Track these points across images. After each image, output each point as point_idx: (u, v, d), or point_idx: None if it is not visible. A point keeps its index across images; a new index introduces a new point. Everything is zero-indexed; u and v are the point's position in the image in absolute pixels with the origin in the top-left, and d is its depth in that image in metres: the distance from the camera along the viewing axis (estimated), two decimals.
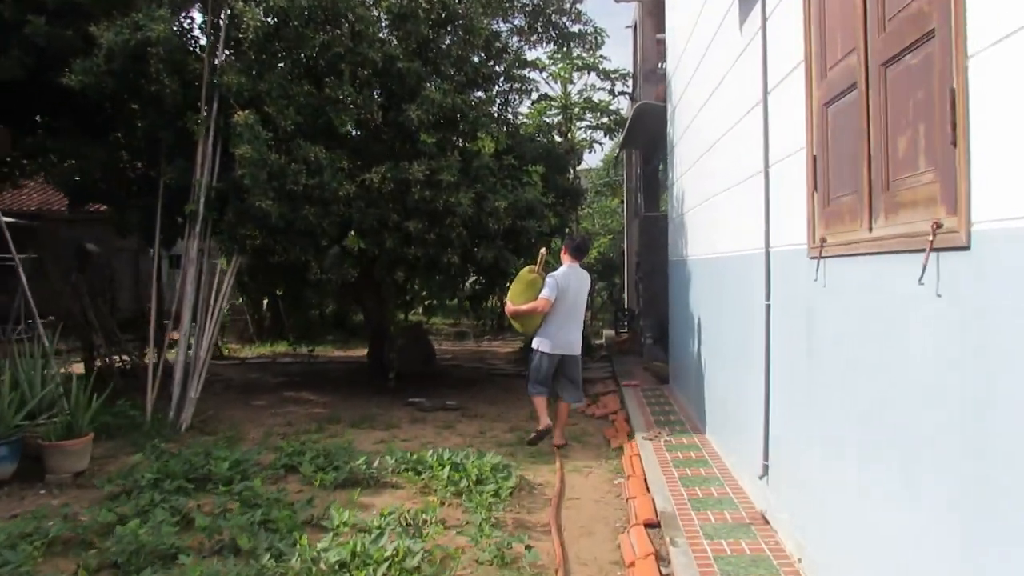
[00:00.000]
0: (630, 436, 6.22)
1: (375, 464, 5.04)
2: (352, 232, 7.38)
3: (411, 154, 7.87)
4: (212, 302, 7.33)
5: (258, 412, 7.92)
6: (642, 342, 11.54)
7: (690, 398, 6.88)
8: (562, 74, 13.11)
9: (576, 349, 6.19)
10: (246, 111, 6.76)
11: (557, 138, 10.83)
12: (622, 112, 14.40)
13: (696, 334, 6.57)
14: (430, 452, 5.11)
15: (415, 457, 5.12)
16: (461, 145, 8.13)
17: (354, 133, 8.22)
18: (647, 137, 11.15)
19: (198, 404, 8.32)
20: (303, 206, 7.15)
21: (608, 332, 15.63)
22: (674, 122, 7.91)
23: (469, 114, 8.05)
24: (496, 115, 9.15)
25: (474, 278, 9.60)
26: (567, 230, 10.09)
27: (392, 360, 8.49)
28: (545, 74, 13.34)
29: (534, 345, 6.15)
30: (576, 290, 6.17)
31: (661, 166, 11.45)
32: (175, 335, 14.50)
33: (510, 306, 6.17)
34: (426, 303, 9.30)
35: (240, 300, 14.65)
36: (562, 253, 6.39)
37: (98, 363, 9.21)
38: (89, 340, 9.52)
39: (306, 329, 9.12)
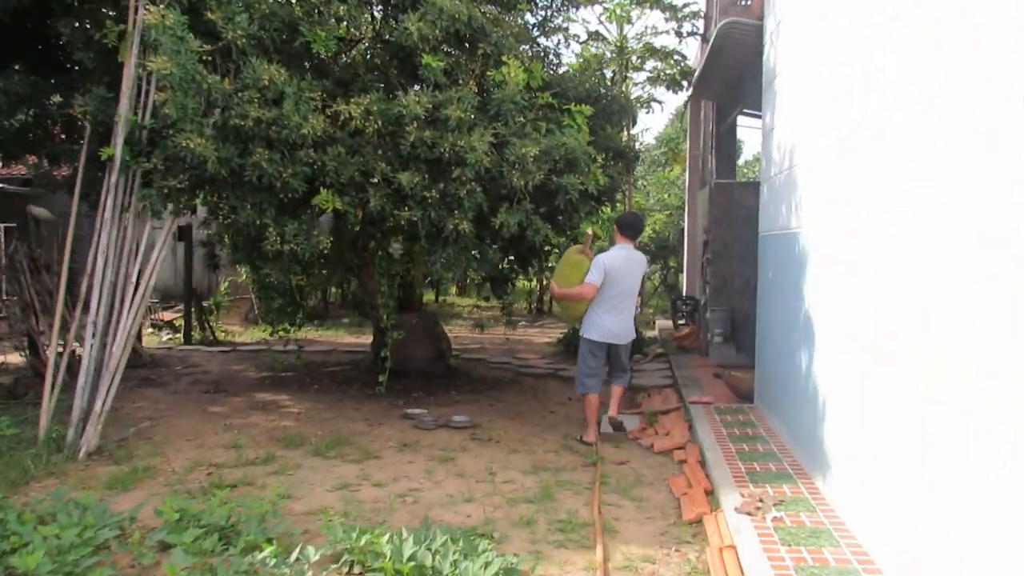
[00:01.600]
0: (711, 497, 4.11)
1: (292, 557, 3.04)
2: (323, 187, 5.38)
3: (411, 84, 5.85)
4: (136, 280, 5.41)
5: (209, 423, 6.03)
6: (707, 339, 9.35)
7: (796, 433, 4.72)
8: (618, 11, 10.85)
9: (626, 338, 5.71)
10: (162, 5, 4.78)
11: (608, 79, 8.62)
12: (689, 62, 12.07)
13: (810, 339, 4.41)
14: (386, 539, 3.07)
15: (363, 541, 3.10)
16: (479, 74, 6.03)
17: (333, 57, 6.18)
18: (725, 82, 8.88)
19: (139, 409, 6.55)
20: (255, 149, 5.17)
21: (663, 323, 13.41)
22: (777, 42, 5.67)
23: (492, 33, 5.94)
24: (530, 39, 7.03)
25: (501, 253, 7.57)
26: (619, 195, 7.97)
27: (384, 359, 6.52)
28: (599, 10, 11.10)
29: (580, 332, 5.69)
30: (627, 274, 5.61)
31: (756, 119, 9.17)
32: (164, 315, 12.93)
33: (555, 287, 5.71)
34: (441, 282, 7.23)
35: (244, 276, 12.90)
36: (614, 232, 5.86)
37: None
38: (31, 325, 7.79)
39: (286, 311, 7.21)
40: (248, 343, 11.33)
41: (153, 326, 12.25)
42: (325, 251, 5.48)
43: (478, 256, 5.93)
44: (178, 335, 11.46)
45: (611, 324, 5.56)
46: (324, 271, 7.44)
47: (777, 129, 5.54)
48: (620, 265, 5.50)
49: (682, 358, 9.30)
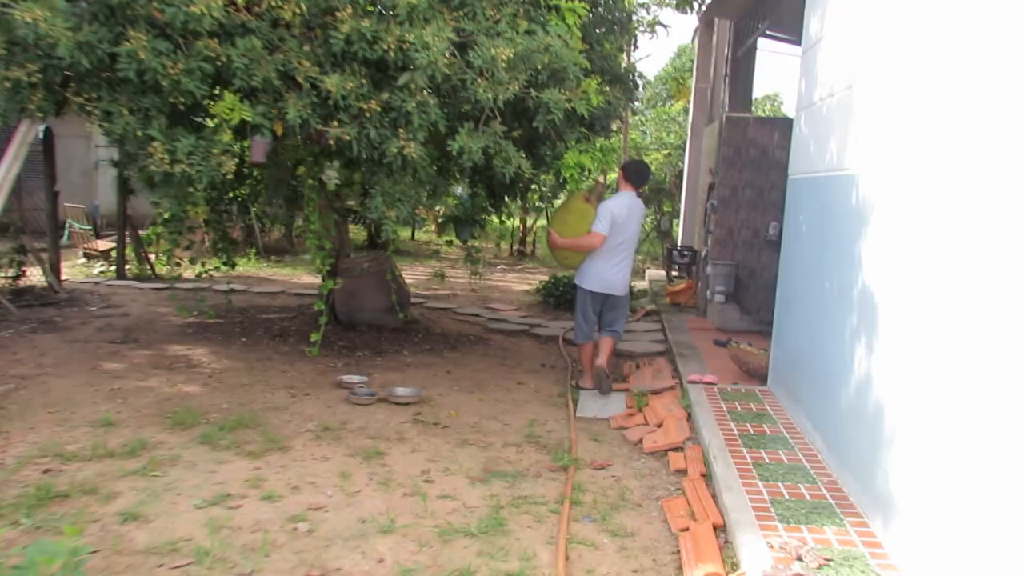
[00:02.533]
0: (722, 538, 2.98)
1: None
2: (229, 92, 4.06)
3: None
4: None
5: (92, 387, 4.83)
6: (707, 297, 8.20)
7: (833, 441, 3.59)
8: None
9: (624, 289, 5.49)
10: None
11: None
12: None
13: (871, 319, 3.23)
14: None
15: None
16: None
17: None
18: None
19: (15, 363, 5.35)
20: (129, 31, 3.83)
21: (654, 273, 12.23)
22: None
23: None
24: None
25: (470, 188, 6.30)
26: (616, 126, 6.67)
27: (322, 313, 5.31)
28: None
29: (576, 281, 5.50)
30: (630, 223, 5.32)
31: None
32: (99, 244, 11.57)
33: (556, 237, 5.32)
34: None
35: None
36: (619, 178, 5.53)
37: None
38: None
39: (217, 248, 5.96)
40: (190, 280, 10.06)
41: (86, 256, 10.94)
42: (228, 175, 4.19)
43: (431, 191, 4.66)
44: (113, 267, 10.18)
45: (609, 274, 5.34)
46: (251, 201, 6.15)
47: (827, 39, 4.24)
48: (625, 214, 5.25)
49: (676, 317, 8.16)
